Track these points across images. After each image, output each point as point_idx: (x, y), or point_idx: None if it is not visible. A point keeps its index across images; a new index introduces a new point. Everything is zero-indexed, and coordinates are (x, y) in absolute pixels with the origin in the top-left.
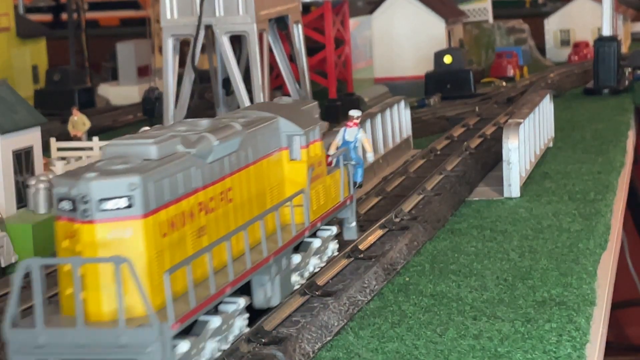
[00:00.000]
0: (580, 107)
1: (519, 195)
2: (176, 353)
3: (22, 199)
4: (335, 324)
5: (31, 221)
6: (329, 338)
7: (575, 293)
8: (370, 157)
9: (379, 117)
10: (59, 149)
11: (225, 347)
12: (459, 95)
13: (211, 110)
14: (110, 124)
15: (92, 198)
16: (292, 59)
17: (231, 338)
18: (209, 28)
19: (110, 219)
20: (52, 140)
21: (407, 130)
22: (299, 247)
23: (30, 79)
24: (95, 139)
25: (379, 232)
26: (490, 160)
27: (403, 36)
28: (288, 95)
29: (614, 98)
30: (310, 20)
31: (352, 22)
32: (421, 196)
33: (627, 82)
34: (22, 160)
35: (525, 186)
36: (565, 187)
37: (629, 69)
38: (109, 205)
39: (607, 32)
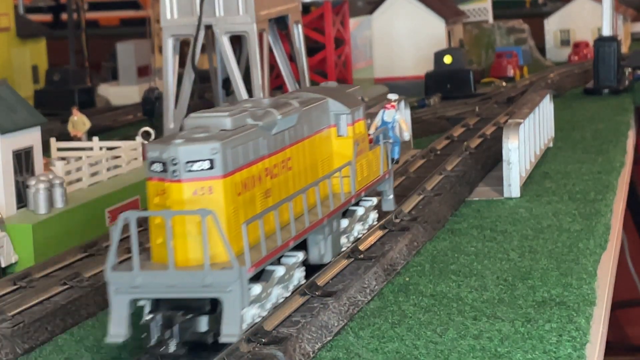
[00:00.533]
0: (580, 107)
1: (519, 195)
2: (250, 294)
3: (22, 199)
4: (336, 324)
5: (31, 221)
6: (329, 338)
7: (575, 293)
8: (407, 135)
9: None
10: (59, 149)
11: (287, 294)
12: (459, 95)
13: None
14: (110, 124)
15: (180, 161)
16: (292, 59)
17: (291, 287)
18: (209, 28)
19: (195, 178)
20: (52, 140)
21: None
22: (346, 213)
23: (30, 79)
24: (95, 139)
25: (379, 233)
26: (490, 160)
27: (403, 36)
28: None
29: (614, 98)
30: (310, 20)
31: (352, 22)
32: (421, 196)
33: (627, 82)
34: (22, 160)
35: (525, 186)
36: (565, 187)
37: (629, 69)
38: (195, 166)
39: (607, 32)
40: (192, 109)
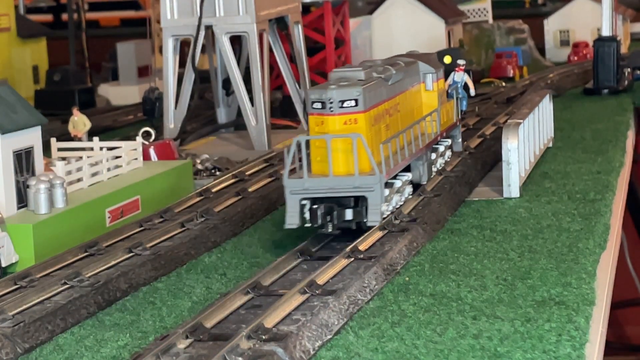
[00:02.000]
0: (580, 107)
1: (518, 195)
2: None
3: (22, 199)
4: (336, 323)
5: (32, 221)
6: (329, 336)
7: (574, 293)
8: (472, 92)
9: None
10: (60, 149)
11: (400, 203)
12: None
13: (211, 110)
14: (111, 124)
15: (335, 100)
16: (292, 59)
17: (403, 198)
18: (209, 28)
19: (345, 112)
20: (53, 140)
21: None
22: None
23: (31, 79)
24: (96, 139)
25: (379, 234)
26: (490, 160)
27: (403, 36)
28: (289, 96)
29: (613, 98)
30: (310, 20)
31: (352, 22)
32: (421, 197)
33: (626, 82)
34: (23, 160)
35: (524, 186)
36: (564, 187)
37: (629, 69)
38: (345, 104)
39: (606, 32)
40: (192, 108)
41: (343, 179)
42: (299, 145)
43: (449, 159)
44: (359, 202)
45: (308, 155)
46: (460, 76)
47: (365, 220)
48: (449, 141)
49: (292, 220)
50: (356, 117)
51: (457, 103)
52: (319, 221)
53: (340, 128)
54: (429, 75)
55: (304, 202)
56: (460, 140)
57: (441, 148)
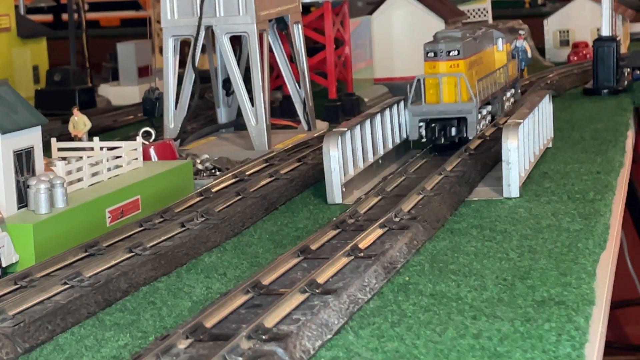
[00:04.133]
0: (580, 107)
1: (518, 195)
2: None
3: (22, 199)
4: (336, 322)
5: (32, 221)
6: (329, 336)
7: (574, 292)
8: (530, 55)
9: (378, 117)
10: (60, 149)
11: (484, 127)
12: None
13: (211, 110)
14: (111, 124)
15: (444, 50)
16: (292, 59)
17: (484, 123)
18: (209, 28)
19: (451, 59)
20: (53, 140)
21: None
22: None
23: (31, 79)
24: (96, 139)
25: (379, 232)
26: (489, 160)
27: (403, 36)
28: (289, 96)
29: (613, 98)
30: (310, 20)
31: (352, 23)
32: (421, 196)
33: (626, 83)
34: (23, 160)
35: (524, 186)
36: (564, 187)
37: (628, 69)
38: (451, 53)
39: (606, 32)
40: (192, 108)
41: (450, 105)
42: (419, 82)
43: (512, 104)
44: (460, 123)
45: (424, 89)
46: (521, 42)
47: (465, 135)
48: (513, 90)
49: (413, 136)
50: (458, 63)
51: (519, 63)
52: (436, 135)
53: (447, 70)
54: (499, 39)
55: (420, 123)
56: (519, 91)
57: (508, 94)
